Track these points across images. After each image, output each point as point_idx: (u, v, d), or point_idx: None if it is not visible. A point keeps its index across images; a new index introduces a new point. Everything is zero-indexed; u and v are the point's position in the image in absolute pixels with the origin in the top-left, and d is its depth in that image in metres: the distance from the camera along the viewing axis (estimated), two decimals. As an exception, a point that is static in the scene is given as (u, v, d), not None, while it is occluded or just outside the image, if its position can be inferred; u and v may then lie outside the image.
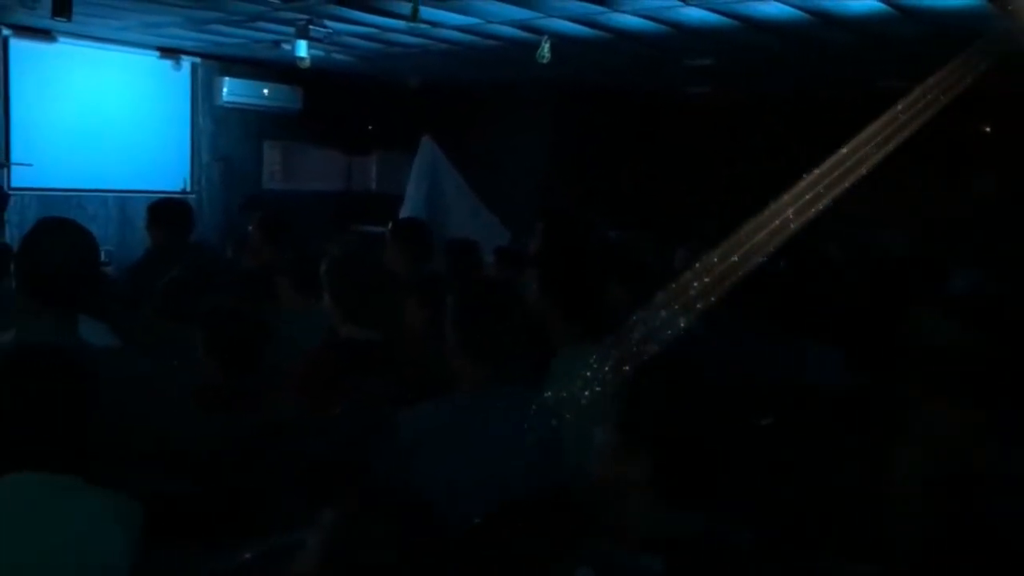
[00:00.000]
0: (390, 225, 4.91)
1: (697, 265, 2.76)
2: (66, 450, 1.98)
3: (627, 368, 1.62)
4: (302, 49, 7.14)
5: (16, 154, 7.96)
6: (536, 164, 10.01)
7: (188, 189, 9.07)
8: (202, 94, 9.11)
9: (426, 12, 6.11)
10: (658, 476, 1.41)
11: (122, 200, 8.65)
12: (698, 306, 2.35)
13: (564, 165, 9.95)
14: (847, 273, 4.38)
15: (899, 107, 3.04)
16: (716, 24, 6.08)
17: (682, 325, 2.07)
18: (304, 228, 5.96)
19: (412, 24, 6.25)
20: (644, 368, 1.49)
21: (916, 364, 2.13)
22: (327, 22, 6.77)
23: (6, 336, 2.79)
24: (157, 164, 8.89)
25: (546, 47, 6.62)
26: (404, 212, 7.63)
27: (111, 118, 8.49)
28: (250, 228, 5.24)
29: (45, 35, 7.83)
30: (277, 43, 7.64)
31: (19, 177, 7.98)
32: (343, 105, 9.68)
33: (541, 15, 6.18)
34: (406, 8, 6.02)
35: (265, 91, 9.21)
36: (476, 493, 2.38)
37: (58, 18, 6.27)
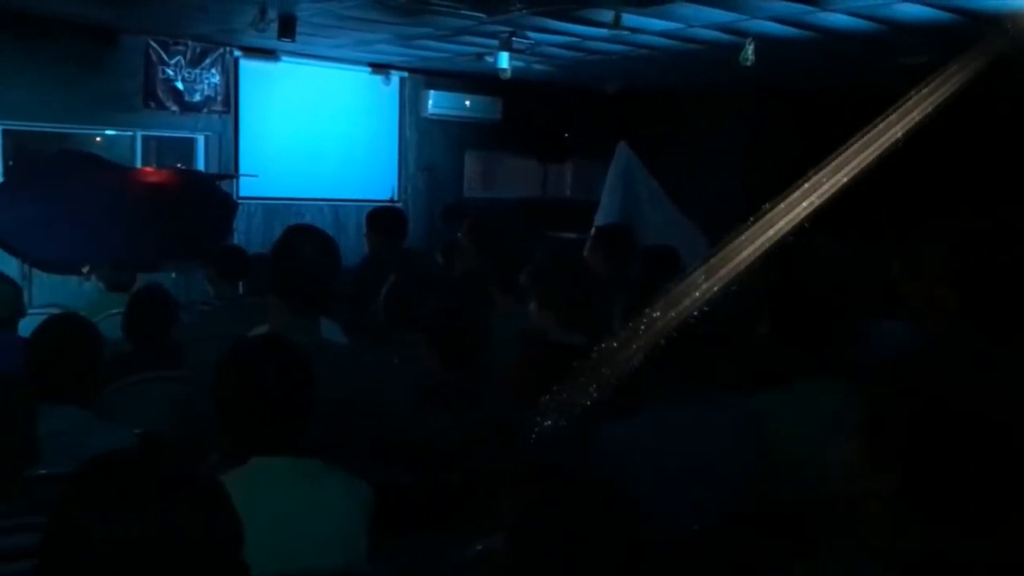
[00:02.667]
0: (593, 231, 4.96)
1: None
2: (310, 437, 2.14)
3: (870, 378, 1.57)
4: (504, 60, 7.35)
5: (244, 166, 8.62)
6: (736, 170, 9.82)
7: (395, 198, 9.53)
8: (409, 107, 9.55)
9: (627, 19, 6.16)
10: (908, 489, 1.37)
11: (335, 208, 9.17)
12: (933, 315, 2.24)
13: (766, 171, 9.68)
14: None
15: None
16: (934, 19, 5.77)
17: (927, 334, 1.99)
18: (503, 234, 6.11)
19: (614, 31, 6.31)
20: (894, 377, 1.45)
21: None
22: (529, 33, 6.94)
23: (258, 332, 3.04)
24: (367, 174, 9.40)
25: (750, 49, 6.51)
26: (599, 219, 7.67)
27: (326, 131, 9.04)
28: (459, 235, 5.43)
29: (270, 55, 8.45)
30: (480, 55, 7.90)
31: (246, 187, 8.63)
32: (540, 114, 9.86)
33: (745, 17, 6.09)
34: (608, 16, 6.10)
35: (467, 102, 9.55)
36: (688, 504, 2.38)
37: (283, 39, 6.79)
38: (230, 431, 2.13)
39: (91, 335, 2.83)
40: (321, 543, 2.07)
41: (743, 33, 6.44)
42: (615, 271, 4.53)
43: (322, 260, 2.80)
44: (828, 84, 8.93)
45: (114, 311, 4.70)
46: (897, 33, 6.18)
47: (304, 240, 2.84)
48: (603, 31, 6.58)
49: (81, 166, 7.52)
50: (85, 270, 7.23)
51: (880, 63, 7.39)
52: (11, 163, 7.52)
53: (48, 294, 6.99)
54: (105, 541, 1.11)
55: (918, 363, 1.44)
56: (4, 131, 7.43)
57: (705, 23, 6.31)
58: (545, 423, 2.55)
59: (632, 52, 7.50)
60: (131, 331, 3.79)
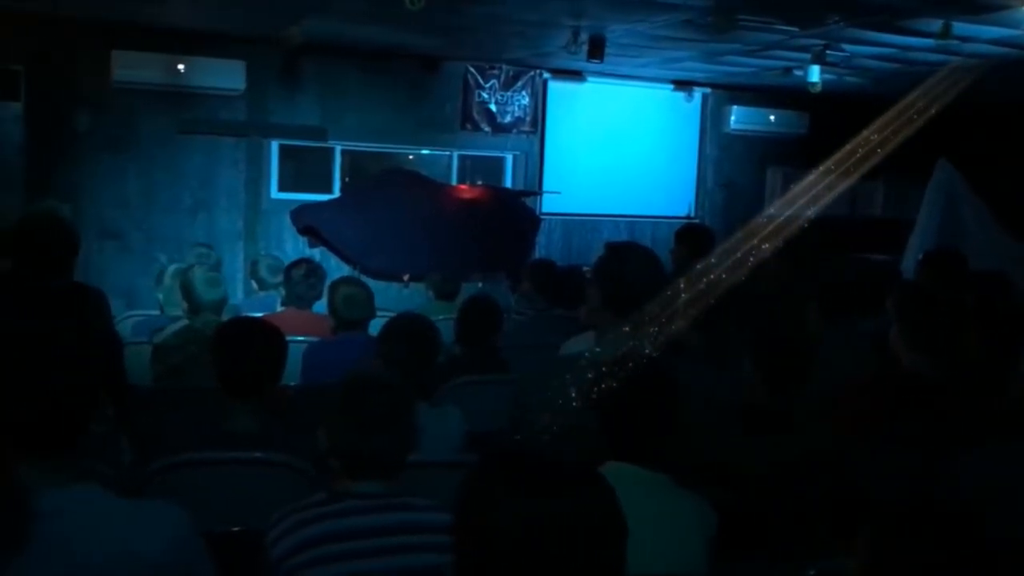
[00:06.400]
0: (922, 255, 4.68)
1: None
2: (659, 448, 2.22)
3: None
4: (815, 74, 7.14)
5: (547, 182, 8.99)
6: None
7: (692, 214, 9.51)
8: (711, 122, 9.51)
9: (957, 28, 5.76)
10: None
11: (631, 224, 9.32)
12: None
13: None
14: None
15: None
16: None
17: None
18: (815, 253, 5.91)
19: (941, 42, 5.93)
20: None
21: None
22: (844, 45, 6.68)
23: (580, 342, 3.18)
24: (664, 190, 9.47)
25: (1106, 55, 5.86)
26: (914, 239, 7.21)
27: (626, 148, 9.22)
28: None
29: (577, 75, 8.76)
30: (788, 69, 7.71)
31: (547, 203, 9.00)
32: (850, 128, 9.42)
33: (1104, 19, 5.49)
34: (935, 26, 5.74)
35: (771, 117, 9.35)
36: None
37: (592, 60, 7.01)
38: (604, 436, 2.25)
39: (436, 334, 3.08)
40: (664, 552, 2.12)
41: (1098, 37, 5.82)
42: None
43: (646, 274, 2.89)
44: None
45: (441, 316, 5.08)
46: None
47: (630, 256, 2.94)
48: (928, 41, 6.20)
49: (405, 183, 8.20)
50: (405, 278, 7.89)
51: None
52: (347, 179, 8.37)
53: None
54: (519, 524, 1.23)
55: None
56: (342, 151, 8.28)
57: (1050, 28, 5.76)
58: (889, 451, 2.45)
59: (959, 62, 7.00)
60: (462, 336, 4.08)
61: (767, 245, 5.53)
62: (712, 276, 5.48)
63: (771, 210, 9.70)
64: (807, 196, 9.59)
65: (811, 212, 9.64)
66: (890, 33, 6.13)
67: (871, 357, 3.45)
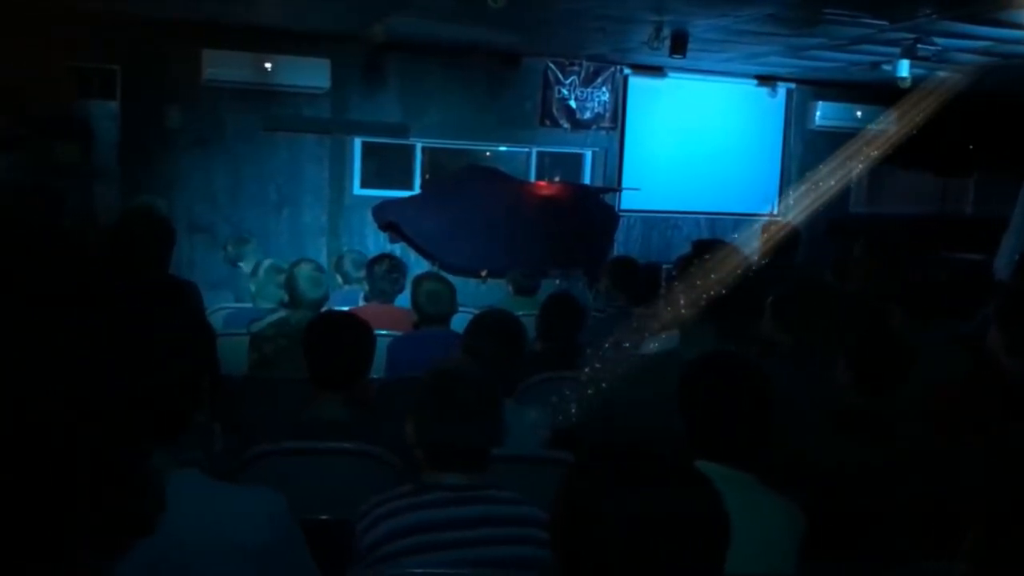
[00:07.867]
0: (1018, 256, 4.53)
1: None
2: (747, 448, 2.19)
3: None
4: (904, 69, 6.94)
5: (626, 179, 8.93)
6: None
7: (775, 212, 9.34)
8: (795, 118, 9.33)
9: (1059, 19, 5.55)
10: None
11: (712, 221, 9.21)
12: None
13: None
14: None
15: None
16: None
17: None
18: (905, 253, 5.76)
19: (1042, 33, 5.72)
20: None
21: None
22: (936, 39, 6.48)
23: (662, 341, 3.17)
24: (747, 188, 9.31)
25: None
26: (1008, 239, 6.96)
27: (708, 144, 9.09)
28: (853, 252, 5.22)
29: (658, 71, 8.69)
30: (876, 64, 7.52)
31: (626, 200, 8.94)
32: (940, 124, 9.15)
33: None
34: (1036, 16, 5.53)
35: (858, 113, 9.13)
36: None
37: (675, 55, 6.93)
38: (688, 434, 2.24)
39: (523, 332, 3.11)
40: (750, 553, 2.09)
41: None
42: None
43: (730, 274, 2.88)
44: None
45: (520, 312, 5.09)
46: None
47: (708, 255, 2.93)
48: (1026, 34, 5.98)
49: (484, 179, 8.26)
50: (483, 274, 7.95)
51: None
52: (427, 176, 8.46)
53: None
54: (628, 518, 1.24)
55: None
56: (423, 148, 8.37)
57: None
58: (996, 454, 2.38)
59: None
60: (544, 332, 4.09)
61: (854, 243, 5.41)
62: (797, 275, 5.40)
63: (857, 208, 9.52)
64: (894, 193, 9.36)
65: (899, 210, 9.42)
66: (986, 26, 5.93)
67: (963, 360, 3.36)
